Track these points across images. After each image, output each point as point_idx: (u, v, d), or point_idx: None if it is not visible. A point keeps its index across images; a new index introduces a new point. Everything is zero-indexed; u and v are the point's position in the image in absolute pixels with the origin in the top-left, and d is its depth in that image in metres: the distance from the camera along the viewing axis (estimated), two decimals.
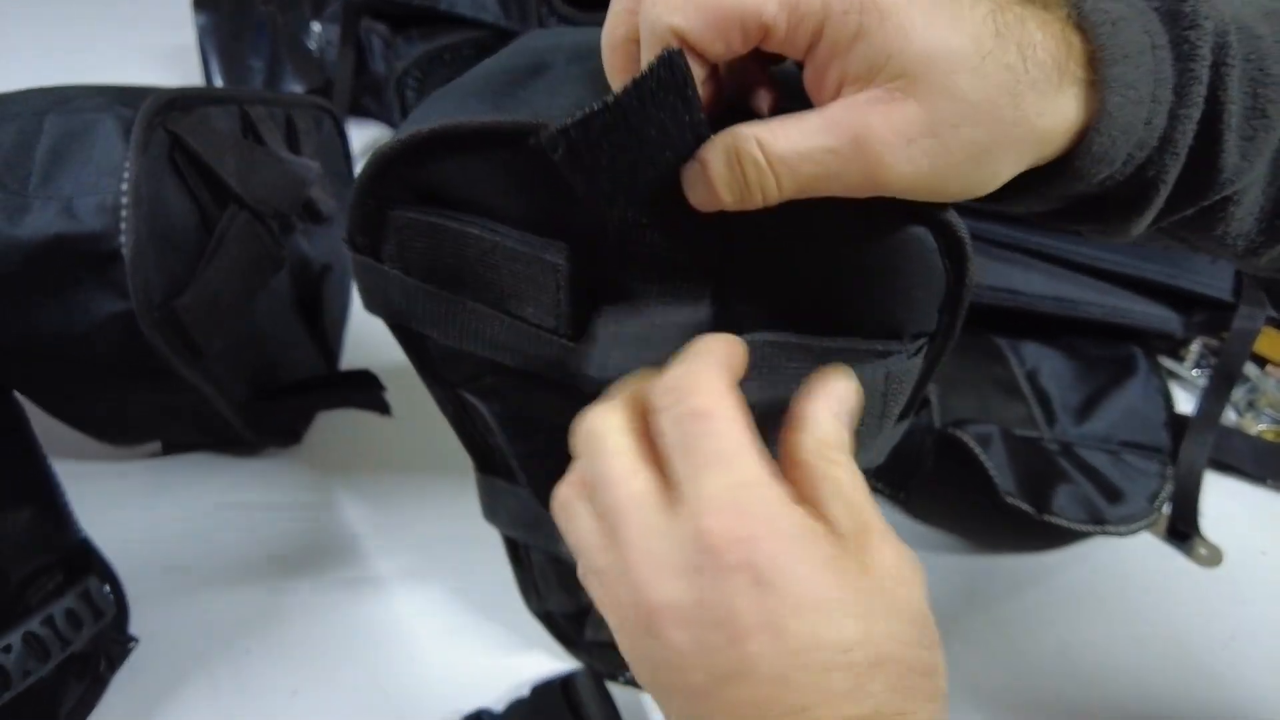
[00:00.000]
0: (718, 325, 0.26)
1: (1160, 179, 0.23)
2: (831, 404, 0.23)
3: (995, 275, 0.62)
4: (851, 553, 0.21)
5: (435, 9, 0.81)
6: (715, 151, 0.21)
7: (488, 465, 0.37)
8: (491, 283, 0.28)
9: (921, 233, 0.24)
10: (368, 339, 0.64)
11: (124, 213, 0.35)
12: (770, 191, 0.21)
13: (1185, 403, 0.62)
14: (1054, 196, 0.24)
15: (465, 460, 0.39)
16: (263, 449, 0.54)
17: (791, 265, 0.26)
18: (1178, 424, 0.59)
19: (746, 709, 0.20)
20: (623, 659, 0.43)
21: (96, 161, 0.36)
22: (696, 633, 0.20)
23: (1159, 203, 0.24)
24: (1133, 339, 0.64)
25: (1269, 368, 0.67)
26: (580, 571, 0.24)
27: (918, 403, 0.31)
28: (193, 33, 0.84)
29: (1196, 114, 0.22)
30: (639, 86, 0.20)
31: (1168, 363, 0.67)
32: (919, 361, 0.28)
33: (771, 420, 0.27)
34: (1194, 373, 0.66)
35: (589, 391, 0.30)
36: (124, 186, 0.35)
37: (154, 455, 0.54)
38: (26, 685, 0.38)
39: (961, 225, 0.24)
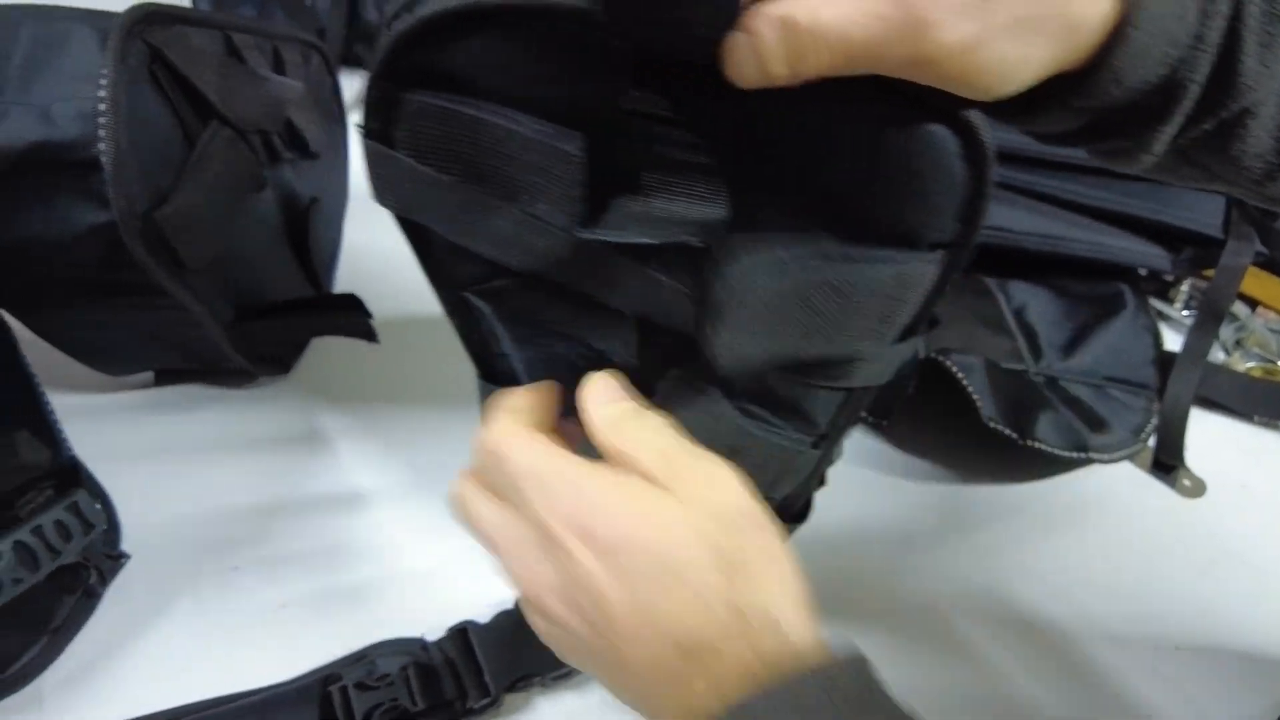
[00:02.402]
0: (735, 224, 0.26)
1: (1190, 79, 0.23)
2: (596, 391, 0.30)
3: None
4: (662, 482, 0.26)
5: None
6: (765, 19, 0.21)
7: (491, 374, 0.36)
8: (504, 175, 0.27)
9: (943, 133, 0.24)
10: (359, 278, 0.64)
11: (102, 119, 0.35)
12: (819, 60, 0.21)
13: (1174, 343, 0.62)
14: (1082, 109, 0.24)
15: (454, 391, 0.40)
16: (253, 380, 0.55)
17: (811, 164, 0.25)
18: (1165, 361, 0.60)
19: (627, 637, 0.25)
20: None
21: (73, 69, 0.36)
22: (568, 599, 0.26)
23: (1187, 107, 0.24)
24: (1121, 278, 0.64)
25: (1260, 309, 0.67)
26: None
27: (925, 320, 0.30)
28: None
29: (1226, 9, 0.22)
30: None
31: (1157, 304, 0.67)
32: (934, 271, 0.28)
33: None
34: (1183, 313, 0.66)
35: (595, 296, 0.30)
36: (101, 93, 0.35)
37: (146, 386, 0.55)
38: (18, 593, 0.39)
39: (985, 128, 0.24)
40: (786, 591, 0.26)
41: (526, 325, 0.33)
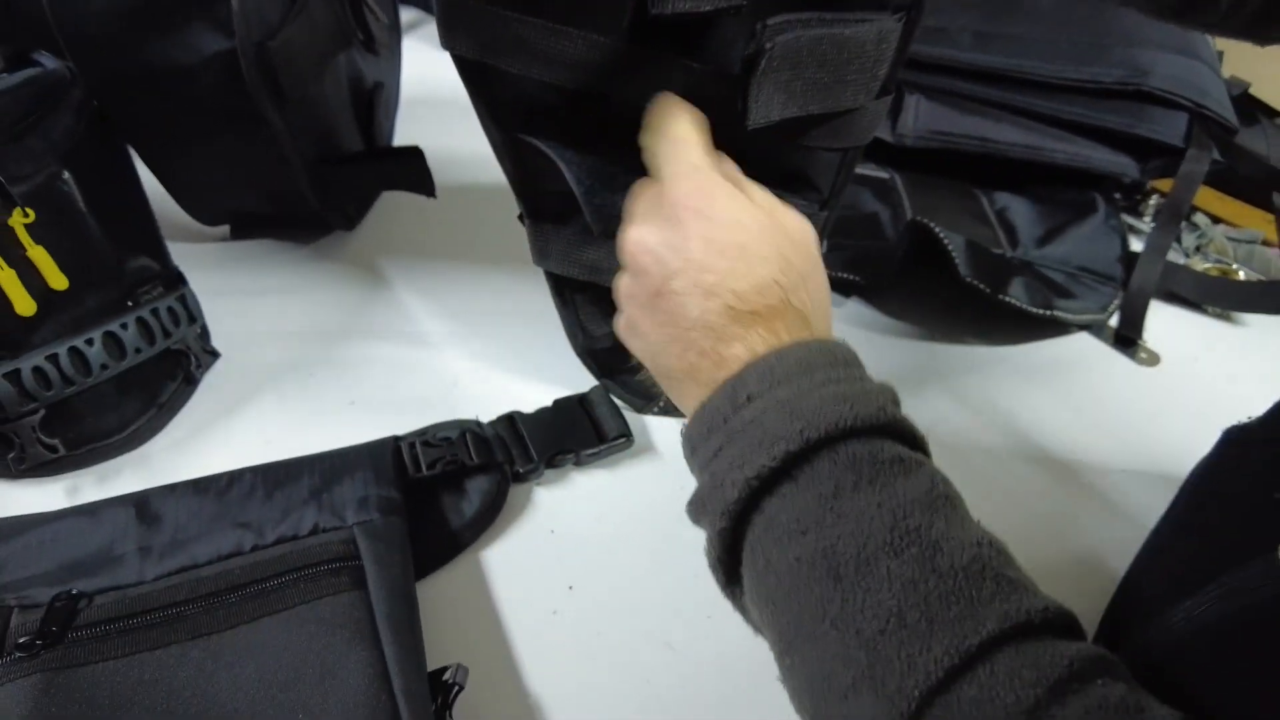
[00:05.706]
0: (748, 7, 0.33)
1: None
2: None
3: (971, 126, 0.69)
4: (765, 210, 0.33)
5: None
6: None
7: (538, 212, 0.43)
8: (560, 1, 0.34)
9: None
10: None
11: None
12: None
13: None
14: None
15: (502, 248, 0.50)
16: (322, 234, 0.62)
17: None
18: (1131, 260, 0.66)
19: (688, 288, 0.31)
20: (656, 393, 0.50)
21: None
22: (657, 253, 0.32)
23: None
24: (1095, 188, 0.71)
25: (1221, 226, 0.74)
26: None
27: (894, 81, 0.38)
28: None
29: None
30: None
31: (1128, 218, 0.74)
32: (899, 27, 0.35)
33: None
34: (1151, 225, 0.73)
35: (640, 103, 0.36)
36: None
37: (224, 240, 0.62)
38: (138, 361, 0.46)
39: None
40: (824, 314, 0.33)
41: (576, 150, 0.38)
